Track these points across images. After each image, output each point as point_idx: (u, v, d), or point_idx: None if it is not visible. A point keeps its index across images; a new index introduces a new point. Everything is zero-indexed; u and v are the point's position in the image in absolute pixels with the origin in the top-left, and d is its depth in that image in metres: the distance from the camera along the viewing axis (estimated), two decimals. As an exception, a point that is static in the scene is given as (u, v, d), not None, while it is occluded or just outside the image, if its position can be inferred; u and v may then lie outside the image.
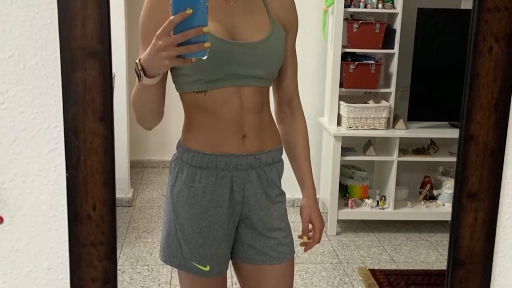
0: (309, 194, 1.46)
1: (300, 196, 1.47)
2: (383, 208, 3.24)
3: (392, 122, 3.22)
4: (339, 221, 3.26)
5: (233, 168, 1.33)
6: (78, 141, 0.95)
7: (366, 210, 3.25)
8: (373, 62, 3.20)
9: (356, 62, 3.18)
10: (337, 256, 2.96)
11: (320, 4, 3.27)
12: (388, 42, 3.17)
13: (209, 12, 1.04)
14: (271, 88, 1.41)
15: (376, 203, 3.26)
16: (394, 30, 3.14)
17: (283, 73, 1.43)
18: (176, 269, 1.43)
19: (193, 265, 1.37)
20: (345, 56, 3.20)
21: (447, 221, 3.16)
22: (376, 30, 3.14)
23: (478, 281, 1.09)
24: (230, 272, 1.47)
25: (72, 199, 0.97)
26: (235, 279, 1.51)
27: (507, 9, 0.98)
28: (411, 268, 2.83)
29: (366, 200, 3.27)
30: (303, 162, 1.47)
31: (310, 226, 1.46)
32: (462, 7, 3.18)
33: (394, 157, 3.16)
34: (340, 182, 3.24)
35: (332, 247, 3.07)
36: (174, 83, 1.34)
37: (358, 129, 3.19)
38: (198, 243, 1.35)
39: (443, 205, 3.24)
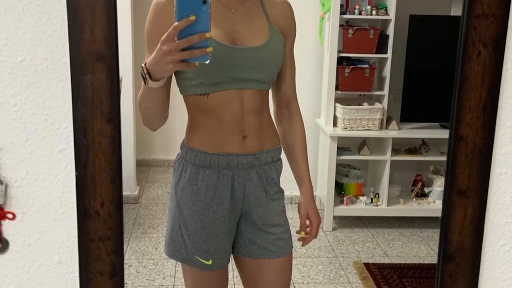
0: (306, 191, 1.46)
1: (298, 193, 1.47)
2: (377, 205, 3.24)
3: (385, 123, 3.22)
4: (335, 217, 3.26)
5: (234, 167, 1.33)
6: (87, 141, 0.95)
7: (361, 207, 3.25)
8: (367, 66, 3.20)
9: (351, 66, 3.18)
10: (333, 250, 2.96)
11: (317, 11, 3.27)
12: (381, 47, 3.17)
13: (211, 18, 1.04)
14: (270, 91, 1.41)
15: (370, 200, 3.26)
16: (387, 36, 3.14)
17: (281, 77, 1.43)
18: (180, 263, 1.43)
19: (196, 259, 1.37)
20: (340, 61, 3.20)
21: (437, 217, 3.16)
22: (370, 36, 3.14)
23: (467, 274, 1.09)
24: (232, 265, 1.47)
25: (81, 197, 0.97)
26: (236, 272, 1.51)
27: (494, 16, 0.98)
28: (403, 262, 2.83)
29: (361, 197, 3.27)
30: (300, 161, 1.47)
31: (307, 222, 1.46)
32: (452, 14, 3.17)
33: (387, 157, 3.16)
34: (336, 180, 3.24)
35: (328, 242, 3.06)
36: (178, 86, 1.34)
37: (353, 129, 3.18)
38: (201, 238, 1.35)
39: (434, 202, 3.23)
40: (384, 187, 3.21)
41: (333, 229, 3.23)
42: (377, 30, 3.15)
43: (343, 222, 3.31)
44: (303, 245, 1.46)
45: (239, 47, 1.28)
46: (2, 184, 0.97)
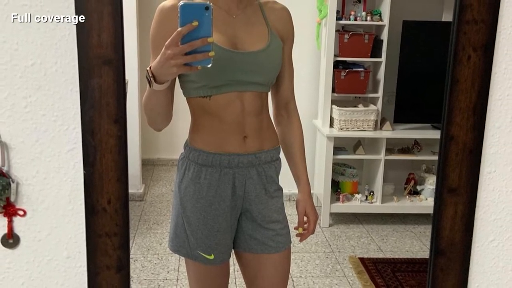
0: (304, 189, 1.46)
1: (296, 191, 1.47)
2: (372, 202, 3.24)
3: (379, 124, 3.22)
4: (331, 214, 3.26)
5: (235, 166, 1.33)
6: (94, 141, 0.95)
7: (356, 204, 3.25)
8: (362, 69, 3.20)
9: (347, 70, 3.18)
10: (330, 246, 2.96)
11: (314, 17, 3.27)
12: (376, 51, 3.17)
13: (213, 24, 1.04)
14: (269, 93, 1.41)
15: (365, 198, 3.26)
16: (382, 41, 3.14)
17: (280, 80, 1.43)
18: (183, 258, 1.43)
19: (199, 254, 1.37)
20: (337, 64, 3.20)
21: (429, 214, 3.16)
22: (365, 41, 3.14)
23: (458, 268, 1.09)
24: (233, 260, 1.47)
25: (89, 194, 0.97)
26: (237, 266, 1.51)
27: (484, 21, 0.98)
28: (397, 256, 2.83)
29: (356, 195, 3.27)
30: (298, 160, 1.46)
31: (305, 218, 1.46)
32: (443, 20, 3.18)
33: (382, 156, 3.16)
34: (332, 179, 3.24)
35: (325, 237, 3.06)
36: (182, 89, 1.34)
37: (348, 130, 3.18)
38: (203, 234, 1.35)
39: (426, 199, 3.24)
40: (378, 185, 3.21)
41: (330, 225, 3.23)
42: (371, 35, 3.15)
43: (339, 218, 3.31)
44: (301, 240, 1.46)
45: (240, 52, 1.28)
46: (13, 182, 0.97)
